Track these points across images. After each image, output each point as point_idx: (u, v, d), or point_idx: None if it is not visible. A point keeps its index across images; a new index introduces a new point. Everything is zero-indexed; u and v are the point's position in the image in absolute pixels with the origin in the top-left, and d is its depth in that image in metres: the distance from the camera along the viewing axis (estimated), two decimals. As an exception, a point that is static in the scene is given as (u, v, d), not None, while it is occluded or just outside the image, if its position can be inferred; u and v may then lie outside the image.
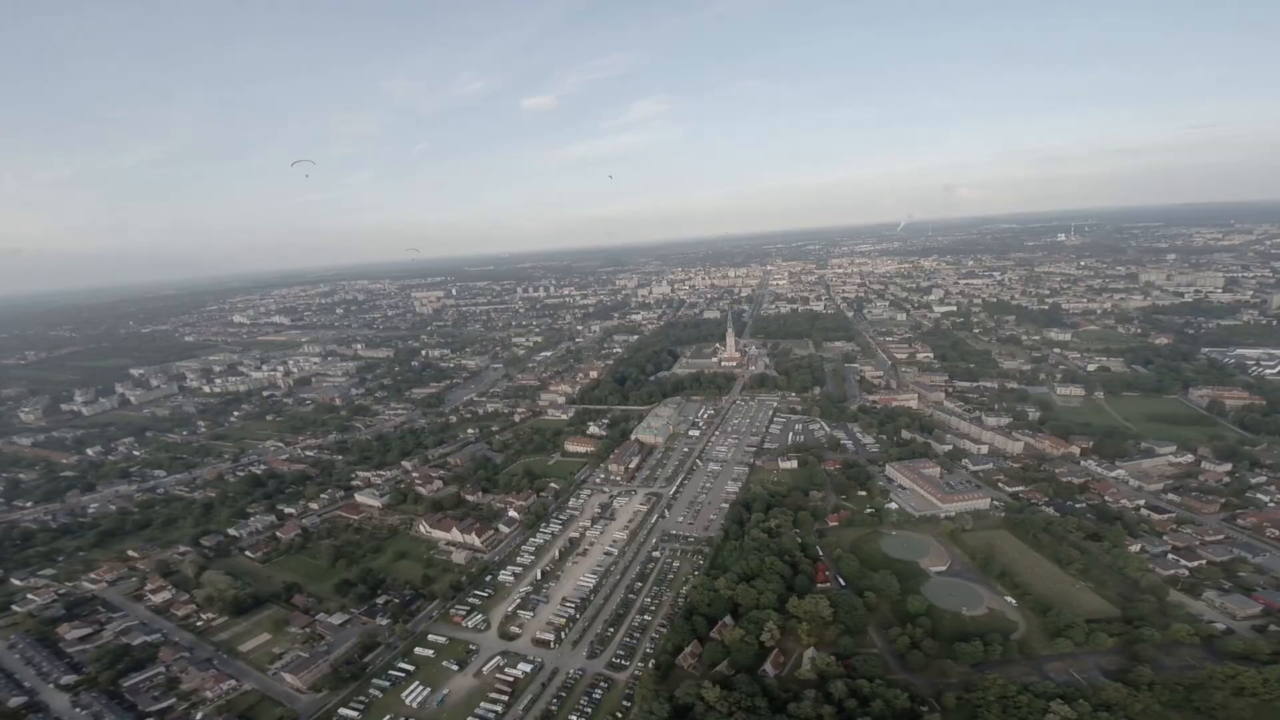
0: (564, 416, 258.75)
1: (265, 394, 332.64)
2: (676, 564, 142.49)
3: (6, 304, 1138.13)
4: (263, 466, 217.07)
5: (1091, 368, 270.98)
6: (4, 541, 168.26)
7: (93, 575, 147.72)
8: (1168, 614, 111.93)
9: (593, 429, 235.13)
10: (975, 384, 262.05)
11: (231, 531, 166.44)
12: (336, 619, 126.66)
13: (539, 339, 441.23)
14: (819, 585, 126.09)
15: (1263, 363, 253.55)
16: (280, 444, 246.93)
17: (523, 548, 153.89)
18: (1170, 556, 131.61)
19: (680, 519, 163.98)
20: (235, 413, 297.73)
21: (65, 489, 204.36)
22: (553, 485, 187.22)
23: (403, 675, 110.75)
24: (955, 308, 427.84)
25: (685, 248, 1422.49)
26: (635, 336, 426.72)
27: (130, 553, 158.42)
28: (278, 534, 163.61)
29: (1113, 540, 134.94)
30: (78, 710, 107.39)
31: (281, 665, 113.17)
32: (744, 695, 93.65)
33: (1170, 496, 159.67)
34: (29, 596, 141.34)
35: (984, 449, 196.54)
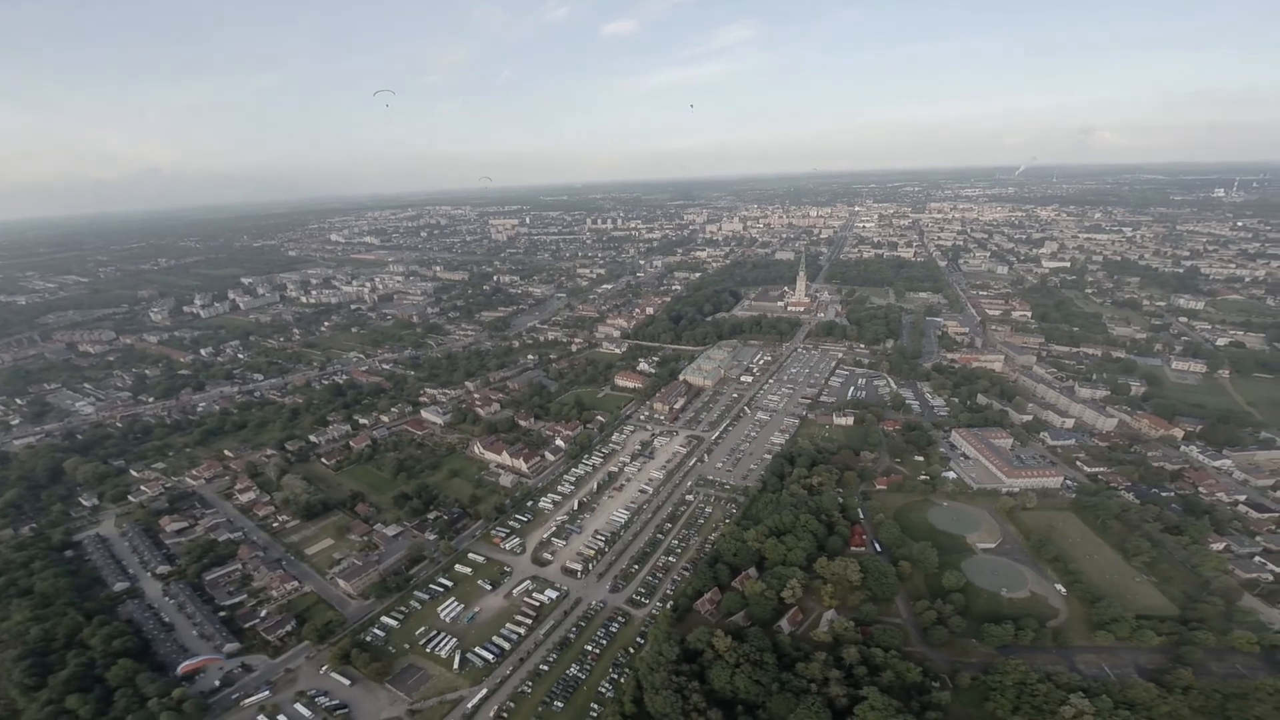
0: (617, 351, 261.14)
1: (353, 307, 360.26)
2: (709, 510, 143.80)
3: (147, 218, 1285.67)
4: (344, 376, 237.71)
5: (1222, 342, 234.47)
6: (129, 434, 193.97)
7: (194, 472, 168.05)
8: (1233, 619, 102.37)
9: (642, 366, 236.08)
10: (1075, 350, 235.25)
11: (312, 438, 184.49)
12: (391, 530, 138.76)
13: (602, 271, 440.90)
14: (853, 549, 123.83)
15: None
16: (361, 355, 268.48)
17: (564, 477, 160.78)
18: (1258, 559, 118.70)
19: (719, 465, 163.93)
20: (325, 323, 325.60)
21: (180, 387, 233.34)
22: (599, 418, 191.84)
23: (441, 590, 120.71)
24: (1069, 264, 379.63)
25: (766, 184, 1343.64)
26: (697, 274, 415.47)
27: (226, 452, 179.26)
28: (351, 443, 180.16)
29: (1193, 535, 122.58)
30: (167, 599, 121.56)
31: (338, 571, 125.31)
32: (754, 649, 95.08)
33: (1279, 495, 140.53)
34: (142, 488, 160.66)
35: (1069, 423, 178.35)
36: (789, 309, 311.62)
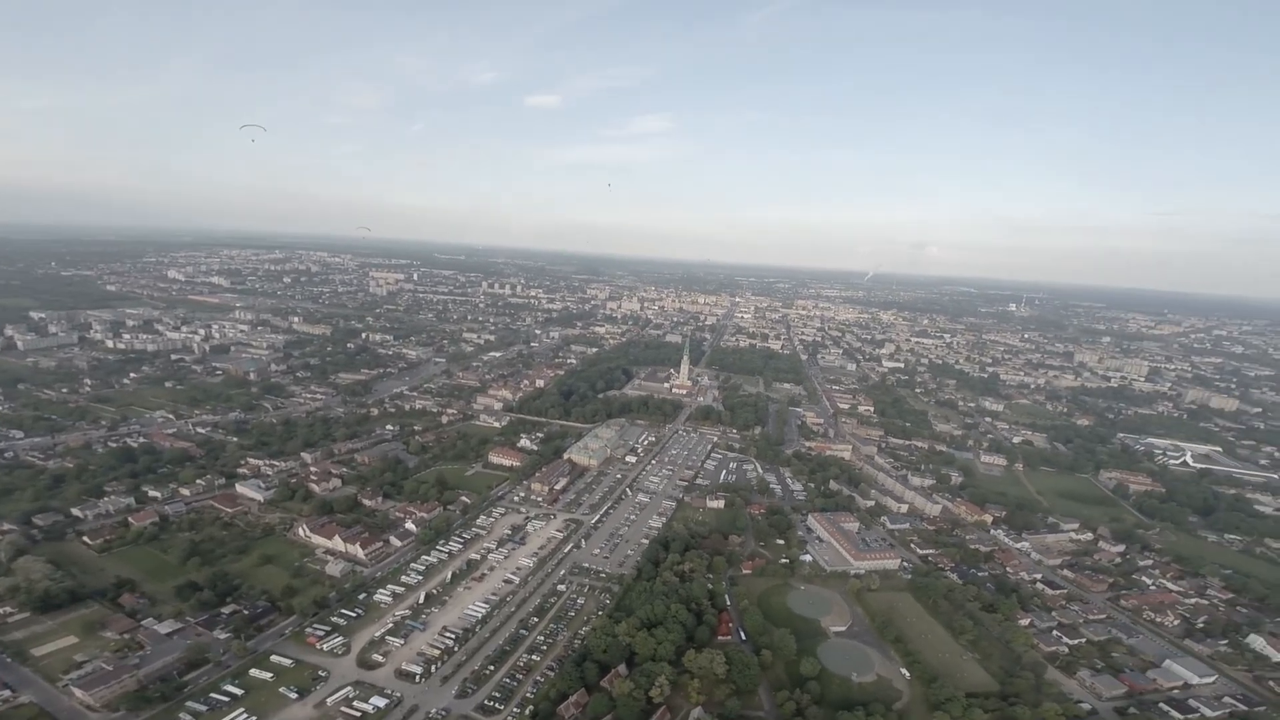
0: (496, 424, 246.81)
1: (174, 357, 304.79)
2: (581, 601, 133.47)
3: None
4: (141, 439, 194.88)
5: (1016, 440, 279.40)
6: None
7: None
8: (1042, 692, 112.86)
9: (524, 442, 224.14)
10: (908, 442, 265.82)
11: (76, 511, 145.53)
12: (166, 627, 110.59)
13: (492, 337, 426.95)
14: (720, 638, 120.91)
15: (1169, 453, 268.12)
16: (170, 416, 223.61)
17: (411, 565, 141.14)
18: (1055, 633, 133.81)
19: (596, 551, 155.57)
20: (132, 374, 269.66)
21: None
22: (464, 499, 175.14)
23: (227, 700, 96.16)
24: (903, 365, 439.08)
25: (664, 267, 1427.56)
26: (594, 349, 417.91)
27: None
28: (130, 519, 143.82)
29: (1005, 613, 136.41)
30: None
31: (77, 677, 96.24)
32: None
33: (1065, 573, 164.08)
34: None
35: (904, 508, 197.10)
36: (673, 391, 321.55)
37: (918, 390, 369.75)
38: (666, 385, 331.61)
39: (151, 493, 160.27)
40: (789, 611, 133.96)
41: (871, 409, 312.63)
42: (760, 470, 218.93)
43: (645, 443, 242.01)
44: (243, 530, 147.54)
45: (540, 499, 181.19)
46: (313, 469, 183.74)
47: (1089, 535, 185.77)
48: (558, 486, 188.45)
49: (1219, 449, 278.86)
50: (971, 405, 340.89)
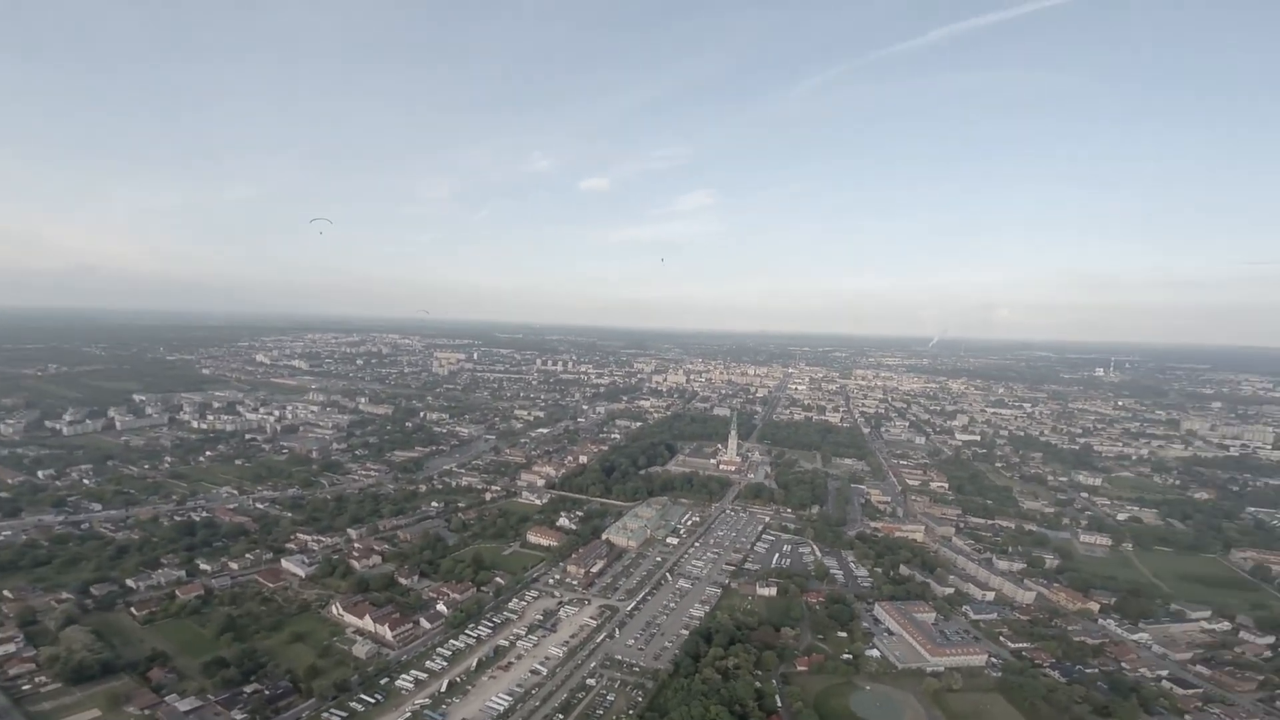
0: (537, 501, 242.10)
1: (248, 437, 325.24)
2: (611, 698, 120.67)
3: (61, 317, 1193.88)
4: (204, 513, 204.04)
5: (1122, 517, 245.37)
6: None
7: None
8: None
9: (563, 520, 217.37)
10: (990, 522, 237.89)
11: (130, 582, 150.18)
12: (186, 704, 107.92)
13: (541, 414, 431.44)
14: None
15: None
16: (235, 491, 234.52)
17: (438, 649, 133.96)
18: None
19: (631, 642, 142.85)
20: (208, 452, 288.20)
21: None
22: (498, 579, 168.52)
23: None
24: (979, 437, 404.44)
25: (713, 339, 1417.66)
26: (639, 424, 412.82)
27: (6, 593, 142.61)
28: (177, 592, 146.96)
29: (1124, 717, 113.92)
30: None
31: None
32: None
33: (1199, 669, 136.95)
34: None
35: (990, 596, 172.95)
36: (720, 467, 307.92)
37: (998, 465, 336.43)
38: (713, 461, 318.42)
39: (203, 566, 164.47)
40: (851, 715, 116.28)
41: (945, 486, 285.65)
42: (819, 554, 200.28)
43: (688, 523, 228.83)
44: (280, 606, 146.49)
45: (575, 582, 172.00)
46: (356, 545, 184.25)
47: (1226, 625, 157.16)
48: (594, 569, 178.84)
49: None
50: (1063, 480, 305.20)
